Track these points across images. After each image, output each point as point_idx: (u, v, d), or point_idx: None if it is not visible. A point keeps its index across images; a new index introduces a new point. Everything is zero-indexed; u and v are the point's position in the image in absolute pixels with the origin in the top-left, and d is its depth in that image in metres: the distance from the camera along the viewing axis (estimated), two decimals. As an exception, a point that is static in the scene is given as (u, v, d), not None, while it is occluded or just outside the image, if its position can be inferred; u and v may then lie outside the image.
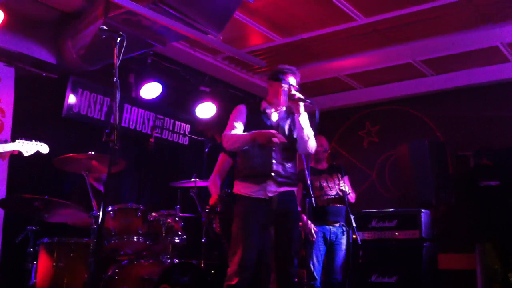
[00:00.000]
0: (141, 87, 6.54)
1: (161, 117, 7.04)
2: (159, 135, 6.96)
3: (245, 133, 4.04)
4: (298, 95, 4.09)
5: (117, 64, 3.24)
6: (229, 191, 4.85)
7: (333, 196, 5.39)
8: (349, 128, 8.38)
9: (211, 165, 5.44)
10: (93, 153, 4.51)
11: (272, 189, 4.00)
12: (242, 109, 4.20)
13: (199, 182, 5.63)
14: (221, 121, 7.04)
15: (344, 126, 8.43)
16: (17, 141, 4.00)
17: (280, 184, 4.03)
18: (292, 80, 4.19)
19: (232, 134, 4.05)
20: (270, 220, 3.98)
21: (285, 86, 4.11)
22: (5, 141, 4.00)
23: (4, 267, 5.33)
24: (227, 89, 7.61)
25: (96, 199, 4.59)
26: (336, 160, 5.77)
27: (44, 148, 4.17)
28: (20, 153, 4.07)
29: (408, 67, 7.12)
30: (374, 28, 6.05)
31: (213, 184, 5.14)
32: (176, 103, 7.29)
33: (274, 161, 4.03)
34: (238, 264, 3.78)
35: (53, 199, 4.37)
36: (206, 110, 7.23)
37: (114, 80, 3.18)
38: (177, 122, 7.26)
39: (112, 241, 4.53)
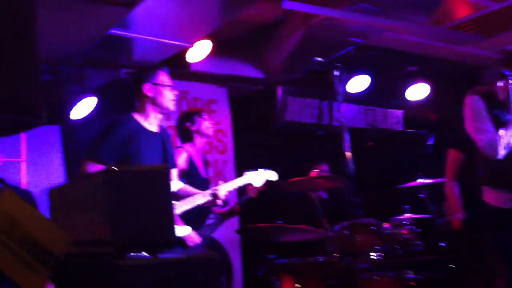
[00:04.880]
0: (346, 82, 6.31)
1: (372, 108, 6.74)
2: (370, 127, 6.68)
3: None
4: None
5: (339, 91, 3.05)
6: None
7: None
8: None
9: (438, 160, 4.96)
10: (317, 171, 4.43)
11: None
12: (477, 103, 3.42)
13: (427, 181, 5.16)
14: (438, 100, 6.53)
15: None
16: (245, 174, 4.04)
17: None
18: None
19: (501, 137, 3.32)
20: None
21: None
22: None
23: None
24: (438, 64, 6.96)
25: (325, 217, 4.52)
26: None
27: (273, 175, 4.16)
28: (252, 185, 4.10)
29: None
30: None
31: (450, 192, 4.55)
32: (385, 90, 6.91)
33: None
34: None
35: (286, 226, 4.36)
36: (418, 91, 6.72)
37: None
38: (388, 110, 6.91)
39: (349, 258, 4.43)
